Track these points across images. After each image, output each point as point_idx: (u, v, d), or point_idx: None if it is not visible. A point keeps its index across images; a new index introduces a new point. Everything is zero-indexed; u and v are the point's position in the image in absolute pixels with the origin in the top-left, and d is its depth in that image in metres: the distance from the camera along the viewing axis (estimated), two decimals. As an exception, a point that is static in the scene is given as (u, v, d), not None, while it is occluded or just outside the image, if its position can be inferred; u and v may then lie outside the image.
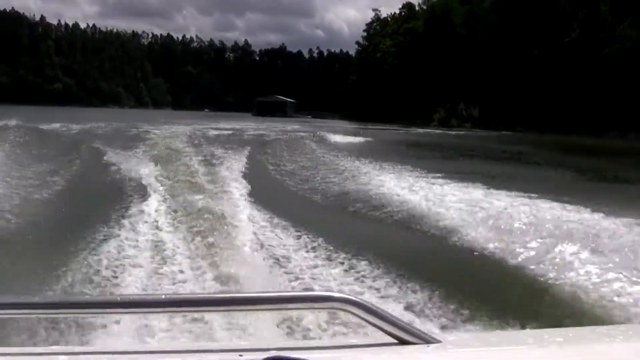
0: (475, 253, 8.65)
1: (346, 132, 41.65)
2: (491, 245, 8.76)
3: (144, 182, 14.41)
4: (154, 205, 12.14)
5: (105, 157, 19.44)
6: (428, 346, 1.50)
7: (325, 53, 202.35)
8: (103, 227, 10.03)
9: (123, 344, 4.82)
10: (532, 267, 7.57)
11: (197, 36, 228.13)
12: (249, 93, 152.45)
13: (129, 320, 5.42)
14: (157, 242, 9.62)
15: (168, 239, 9.74)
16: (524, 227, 10.01)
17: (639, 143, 42.86)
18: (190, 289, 7.34)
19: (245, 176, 15.97)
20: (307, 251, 9.41)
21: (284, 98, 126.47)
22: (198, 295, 3.01)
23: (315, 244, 9.65)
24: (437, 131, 60.01)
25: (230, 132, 38.12)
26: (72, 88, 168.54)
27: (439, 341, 1.53)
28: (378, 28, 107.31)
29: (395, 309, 6.11)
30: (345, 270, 8.38)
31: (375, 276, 7.91)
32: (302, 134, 35.69)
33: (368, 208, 13.23)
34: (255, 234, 10.42)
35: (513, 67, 69.97)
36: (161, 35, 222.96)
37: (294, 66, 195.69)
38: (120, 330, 5.38)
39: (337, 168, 18.88)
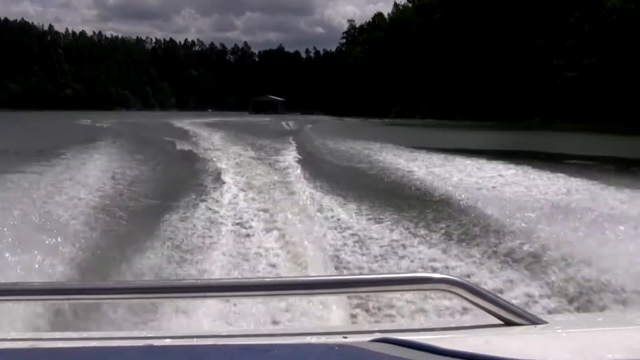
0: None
1: (310, 121, 57.10)
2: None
3: (215, 163, 16.76)
4: (225, 178, 13.51)
5: (174, 143, 24.94)
6: (535, 327, 1.48)
7: (322, 52, 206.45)
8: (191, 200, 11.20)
9: (217, 329, 4.59)
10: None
11: (198, 40, 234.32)
12: (249, 93, 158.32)
13: (225, 304, 5.28)
14: (238, 220, 9.85)
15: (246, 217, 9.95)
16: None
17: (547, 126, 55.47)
18: (281, 272, 7.13)
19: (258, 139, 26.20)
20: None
21: (276, 97, 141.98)
22: (300, 279, 2.50)
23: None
24: (387, 119, 74.22)
25: (235, 121, 55.97)
26: (81, 93, 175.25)
27: (545, 322, 1.51)
28: (356, 34, 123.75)
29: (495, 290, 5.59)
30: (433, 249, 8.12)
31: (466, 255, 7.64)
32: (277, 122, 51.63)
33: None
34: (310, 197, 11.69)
35: (454, 68, 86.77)
36: (164, 40, 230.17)
37: (291, 66, 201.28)
38: (210, 314, 5.21)
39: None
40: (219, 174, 14.40)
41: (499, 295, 1.57)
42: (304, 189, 12.74)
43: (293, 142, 26.51)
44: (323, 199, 11.83)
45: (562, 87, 68.65)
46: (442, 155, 19.33)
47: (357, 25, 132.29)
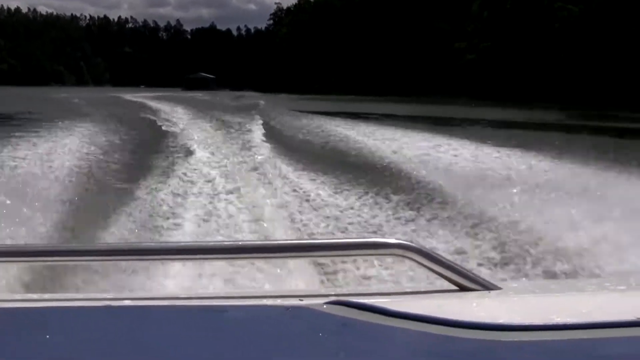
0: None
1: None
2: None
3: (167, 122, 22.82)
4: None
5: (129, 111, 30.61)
6: (489, 292, 1.50)
7: (253, 30, 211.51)
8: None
9: (179, 290, 4.73)
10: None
11: (132, 17, 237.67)
12: (181, 70, 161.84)
13: (184, 267, 5.26)
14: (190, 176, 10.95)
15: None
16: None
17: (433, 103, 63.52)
18: (243, 236, 7.16)
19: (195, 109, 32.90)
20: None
21: (207, 75, 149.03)
22: (255, 242, 2.98)
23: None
24: (307, 95, 79.23)
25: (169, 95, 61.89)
26: (17, 69, 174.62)
27: (499, 288, 1.54)
28: (283, 15, 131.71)
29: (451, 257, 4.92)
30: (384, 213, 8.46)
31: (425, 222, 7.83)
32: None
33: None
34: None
35: (370, 49, 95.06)
36: (98, 17, 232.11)
37: (223, 44, 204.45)
38: (175, 277, 5.24)
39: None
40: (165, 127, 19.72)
41: (454, 261, 1.59)
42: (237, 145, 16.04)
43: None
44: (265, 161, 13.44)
45: (463, 68, 76.90)
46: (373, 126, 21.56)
47: (284, 7, 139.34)
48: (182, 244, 2.08)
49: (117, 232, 6.97)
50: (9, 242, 5.24)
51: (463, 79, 76.28)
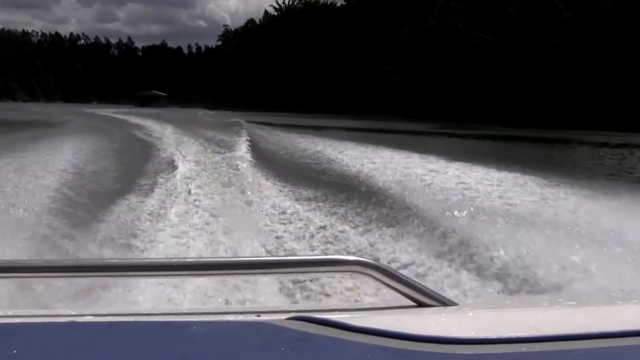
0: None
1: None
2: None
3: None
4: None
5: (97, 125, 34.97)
6: (446, 308, 1.54)
7: (203, 48, 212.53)
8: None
9: (138, 307, 4.75)
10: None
11: (83, 34, 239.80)
12: (133, 87, 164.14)
13: (147, 284, 5.29)
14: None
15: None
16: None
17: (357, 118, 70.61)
18: (203, 253, 7.31)
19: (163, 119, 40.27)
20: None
21: (159, 92, 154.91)
22: (214, 259, 2.81)
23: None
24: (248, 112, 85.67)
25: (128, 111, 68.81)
26: None
27: (455, 304, 1.58)
28: (231, 36, 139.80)
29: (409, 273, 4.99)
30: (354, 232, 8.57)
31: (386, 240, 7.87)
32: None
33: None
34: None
35: (309, 69, 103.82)
36: (50, 33, 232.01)
37: (173, 61, 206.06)
38: (138, 293, 5.27)
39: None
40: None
41: (411, 277, 1.62)
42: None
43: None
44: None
45: (392, 88, 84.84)
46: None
47: (232, 29, 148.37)
48: (146, 260, 1.99)
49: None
50: None
51: (392, 98, 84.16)
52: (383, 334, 1.29)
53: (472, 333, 1.31)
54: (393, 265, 6.01)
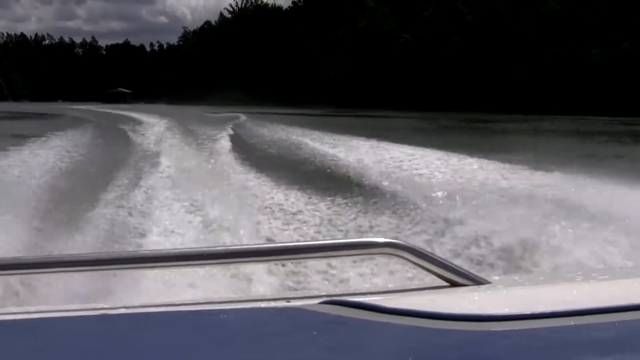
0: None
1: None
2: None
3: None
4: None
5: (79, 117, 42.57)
6: (479, 287, 1.52)
7: (165, 46, 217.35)
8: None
9: (170, 298, 3.32)
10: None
11: (48, 34, 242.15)
12: (98, 84, 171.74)
13: (176, 275, 5.26)
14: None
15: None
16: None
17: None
18: (230, 241, 7.17)
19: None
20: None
21: (124, 89, 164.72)
22: (243, 247, 2.81)
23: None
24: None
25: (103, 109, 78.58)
26: None
27: (488, 282, 1.55)
28: (190, 36, 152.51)
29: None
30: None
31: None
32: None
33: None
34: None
35: (260, 66, 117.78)
36: (15, 34, 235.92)
37: (137, 58, 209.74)
38: (167, 284, 5.25)
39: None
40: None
41: (443, 257, 1.60)
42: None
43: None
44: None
45: (328, 82, 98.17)
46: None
47: (191, 30, 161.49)
48: (175, 250, 1.84)
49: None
50: None
51: (328, 90, 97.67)
52: (417, 314, 1.29)
53: (507, 310, 1.32)
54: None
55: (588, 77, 69.93)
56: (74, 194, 10.44)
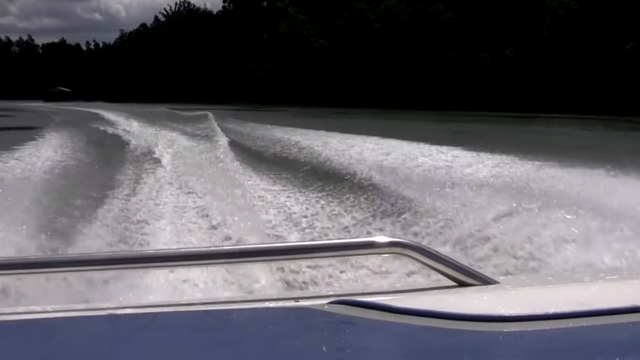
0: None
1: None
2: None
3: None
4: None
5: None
6: (487, 287, 1.51)
7: (101, 45, 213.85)
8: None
9: (177, 297, 4.57)
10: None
11: None
12: (36, 83, 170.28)
13: (183, 274, 5.24)
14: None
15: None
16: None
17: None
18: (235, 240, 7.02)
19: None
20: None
21: (64, 88, 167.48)
22: (251, 246, 2.86)
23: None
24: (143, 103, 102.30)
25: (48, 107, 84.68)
26: None
27: (497, 282, 1.55)
28: (126, 38, 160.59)
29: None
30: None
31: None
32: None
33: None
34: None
35: (190, 68, 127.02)
36: None
37: (73, 57, 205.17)
38: (174, 283, 5.24)
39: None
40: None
41: (452, 257, 1.59)
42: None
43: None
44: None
45: (254, 82, 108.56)
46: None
47: (127, 31, 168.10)
48: (182, 250, 1.81)
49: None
50: None
51: (253, 90, 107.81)
52: (426, 314, 1.29)
53: (517, 310, 1.31)
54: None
55: (478, 78, 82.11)
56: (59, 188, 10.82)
